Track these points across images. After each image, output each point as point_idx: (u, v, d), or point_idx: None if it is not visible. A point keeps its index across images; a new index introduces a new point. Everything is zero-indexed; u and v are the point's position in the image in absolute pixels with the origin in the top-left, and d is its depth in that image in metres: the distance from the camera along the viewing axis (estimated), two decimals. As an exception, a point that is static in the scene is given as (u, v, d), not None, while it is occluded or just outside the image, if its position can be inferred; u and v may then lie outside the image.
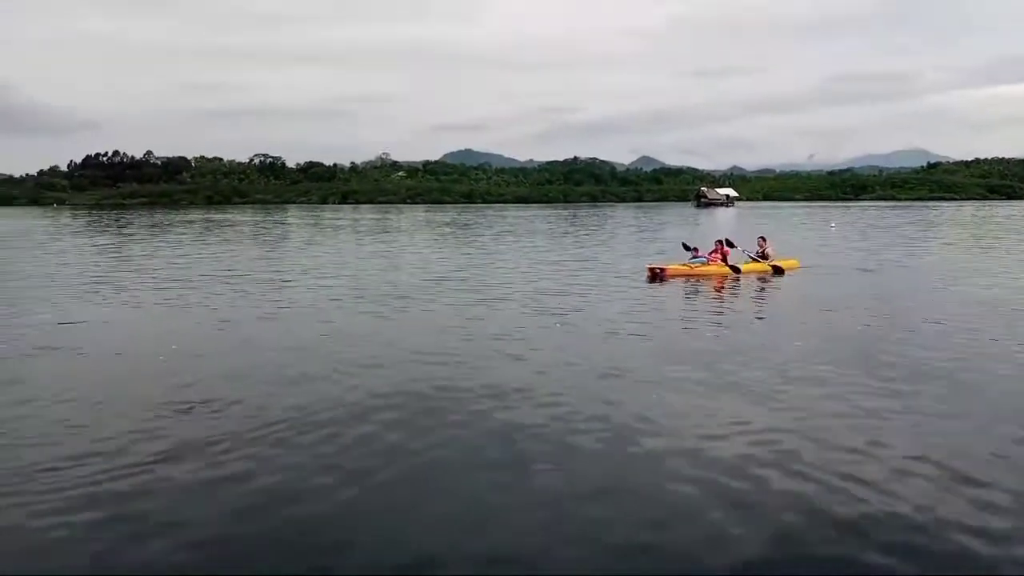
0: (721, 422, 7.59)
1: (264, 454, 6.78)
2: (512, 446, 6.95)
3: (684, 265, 18.99)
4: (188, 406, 8.13)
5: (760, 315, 14.85)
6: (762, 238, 21.07)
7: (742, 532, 5.30)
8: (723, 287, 17.79)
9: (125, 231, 47.78)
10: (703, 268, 18.92)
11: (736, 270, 19.26)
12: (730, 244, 20.43)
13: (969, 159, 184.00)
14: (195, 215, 77.32)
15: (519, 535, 5.32)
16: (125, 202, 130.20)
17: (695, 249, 20.03)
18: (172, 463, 6.56)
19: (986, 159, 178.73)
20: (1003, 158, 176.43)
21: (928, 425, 7.49)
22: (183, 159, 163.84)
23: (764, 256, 20.41)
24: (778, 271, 19.64)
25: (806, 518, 5.49)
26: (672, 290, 17.13)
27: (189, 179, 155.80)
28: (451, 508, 5.73)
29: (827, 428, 7.35)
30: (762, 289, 17.80)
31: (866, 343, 11.27)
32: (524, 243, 35.20)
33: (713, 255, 19.73)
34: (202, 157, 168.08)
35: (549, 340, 11.74)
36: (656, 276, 18.16)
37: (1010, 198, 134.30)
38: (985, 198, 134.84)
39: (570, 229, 48.48)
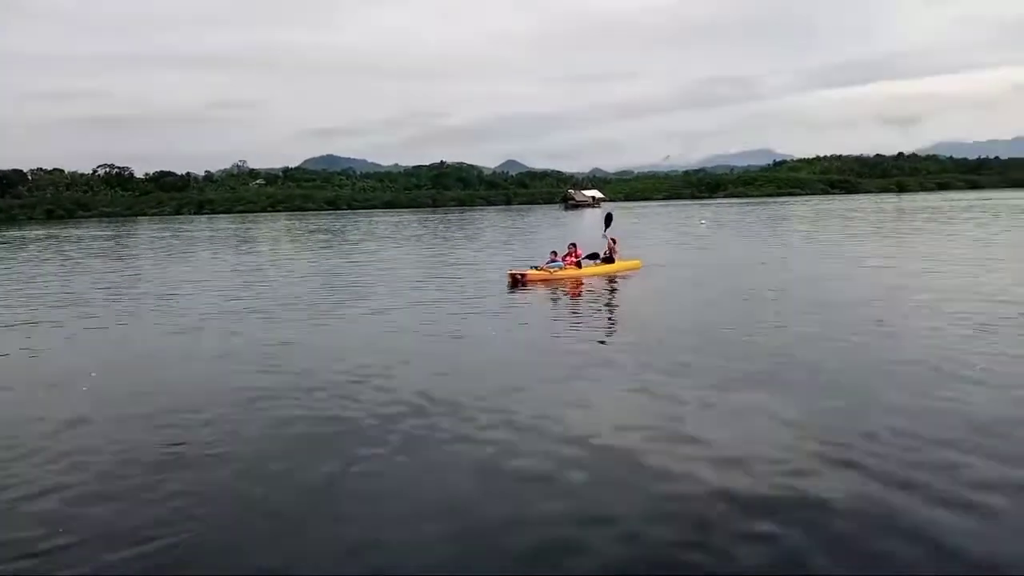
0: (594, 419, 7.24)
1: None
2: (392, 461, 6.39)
3: (543, 270, 18.84)
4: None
5: (612, 316, 15.01)
6: (612, 239, 21.06)
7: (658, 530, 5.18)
8: (579, 291, 17.71)
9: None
10: (562, 272, 18.99)
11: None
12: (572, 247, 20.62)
13: (811, 157, 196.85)
14: (37, 231, 71.35)
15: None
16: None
17: (553, 253, 19.85)
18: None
19: (826, 156, 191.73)
20: (840, 155, 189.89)
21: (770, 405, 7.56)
22: (18, 172, 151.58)
23: (611, 257, 20.66)
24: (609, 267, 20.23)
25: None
26: (533, 295, 16.75)
27: (26, 193, 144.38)
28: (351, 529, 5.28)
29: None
30: (613, 291, 17.90)
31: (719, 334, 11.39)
32: (394, 249, 34.10)
33: (568, 258, 19.69)
34: (40, 169, 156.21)
35: (420, 349, 11.06)
36: (517, 282, 18.01)
37: (848, 192, 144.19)
38: (827, 192, 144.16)
39: (444, 233, 47.70)
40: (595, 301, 16.60)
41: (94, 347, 12.39)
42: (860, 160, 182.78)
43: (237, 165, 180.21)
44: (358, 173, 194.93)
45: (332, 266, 26.11)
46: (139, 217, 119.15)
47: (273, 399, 8.51)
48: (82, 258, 33.89)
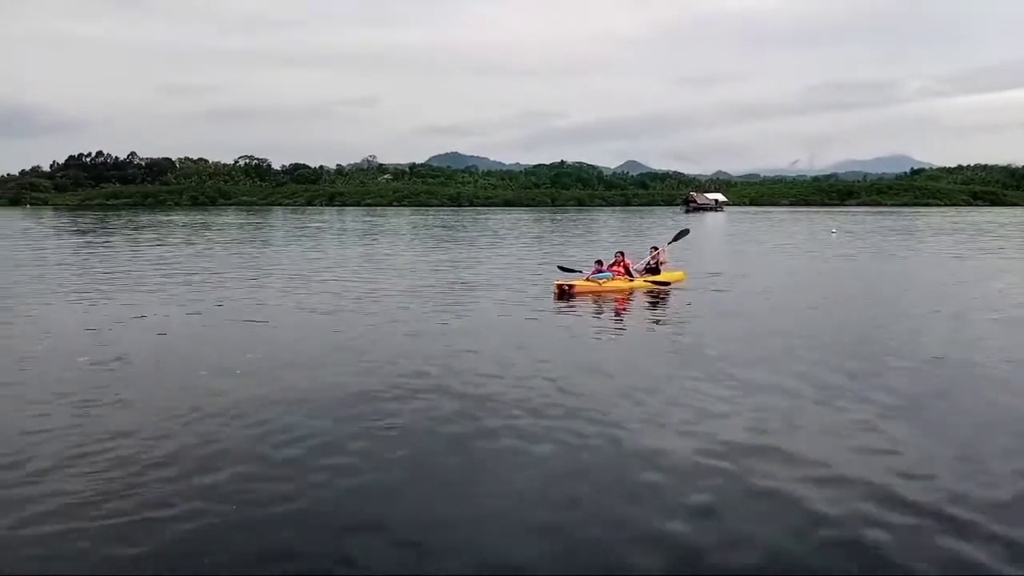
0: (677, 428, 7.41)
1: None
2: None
3: (590, 280, 17.57)
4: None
5: (672, 328, 13.90)
6: (655, 248, 19.88)
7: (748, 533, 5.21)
8: (626, 303, 16.52)
9: (122, 232, 47.03)
10: (610, 283, 17.61)
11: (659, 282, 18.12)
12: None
13: (952, 166, 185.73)
14: (188, 217, 76.67)
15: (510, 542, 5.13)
16: (108, 202, 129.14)
17: (599, 262, 18.46)
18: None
19: (968, 165, 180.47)
20: (985, 164, 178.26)
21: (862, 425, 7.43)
22: (167, 160, 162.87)
23: (657, 267, 19.17)
24: (659, 285, 18.07)
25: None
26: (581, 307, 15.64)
27: (173, 180, 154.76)
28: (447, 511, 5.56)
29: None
30: (664, 303, 16.60)
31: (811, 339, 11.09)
32: (511, 246, 34.87)
33: (615, 268, 18.29)
34: (187, 158, 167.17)
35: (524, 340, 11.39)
36: (564, 293, 16.81)
37: (994, 204, 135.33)
38: (969, 204, 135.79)
39: (558, 232, 48.22)
40: (657, 312, 15.76)
41: (256, 331, 13.56)
42: (1008, 171, 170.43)
43: (367, 160, 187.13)
44: (480, 171, 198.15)
45: (452, 259, 27.05)
46: (273, 207, 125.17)
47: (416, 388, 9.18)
48: (243, 242, 36.44)
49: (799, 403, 8.35)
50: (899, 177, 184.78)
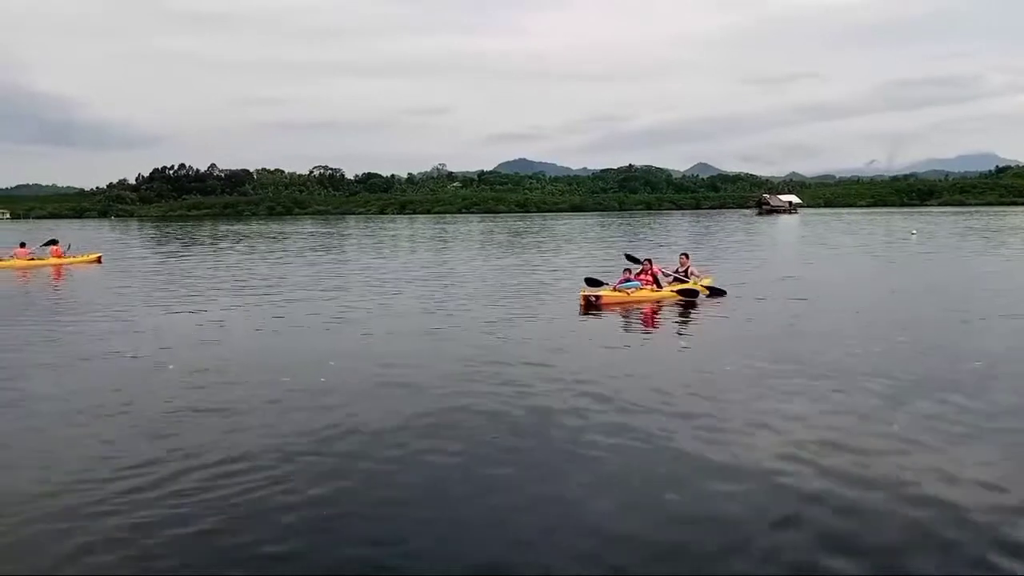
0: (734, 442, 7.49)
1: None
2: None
3: (618, 291, 16.85)
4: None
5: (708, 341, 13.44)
6: (684, 255, 19.22)
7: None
8: (655, 313, 15.87)
9: (219, 245, 48.99)
10: (639, 293, 16.89)
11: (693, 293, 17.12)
12: (633, 259, 18.84)
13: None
14: (268, 226, 79.05)
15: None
16: (190, 213, 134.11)
17: (627, 271, 17.65)
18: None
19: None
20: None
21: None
22: (245, 171, 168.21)
23: (686, 275, 18.25)
24: (688, 294, 17.03)
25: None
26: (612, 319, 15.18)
27: (251, 191, 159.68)
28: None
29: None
30: (692, 311, 15.97)
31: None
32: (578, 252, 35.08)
33: (643, 276, 17.41)
34: (264, 169, 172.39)
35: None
36: (591, 305, 16.04)
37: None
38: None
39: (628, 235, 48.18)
40: (682, 322, 15.18)
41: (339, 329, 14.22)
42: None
43: (437, 168, 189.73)
44: (548, 176, 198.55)
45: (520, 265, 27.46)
46: (347, 216, 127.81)
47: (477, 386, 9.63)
48: (317, 250, 37.71)
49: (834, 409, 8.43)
50: (983, 175, 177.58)
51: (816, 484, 6.17)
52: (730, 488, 6.15)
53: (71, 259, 30.41)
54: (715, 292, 17.56)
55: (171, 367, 10.70)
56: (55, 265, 29.25)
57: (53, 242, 31.22)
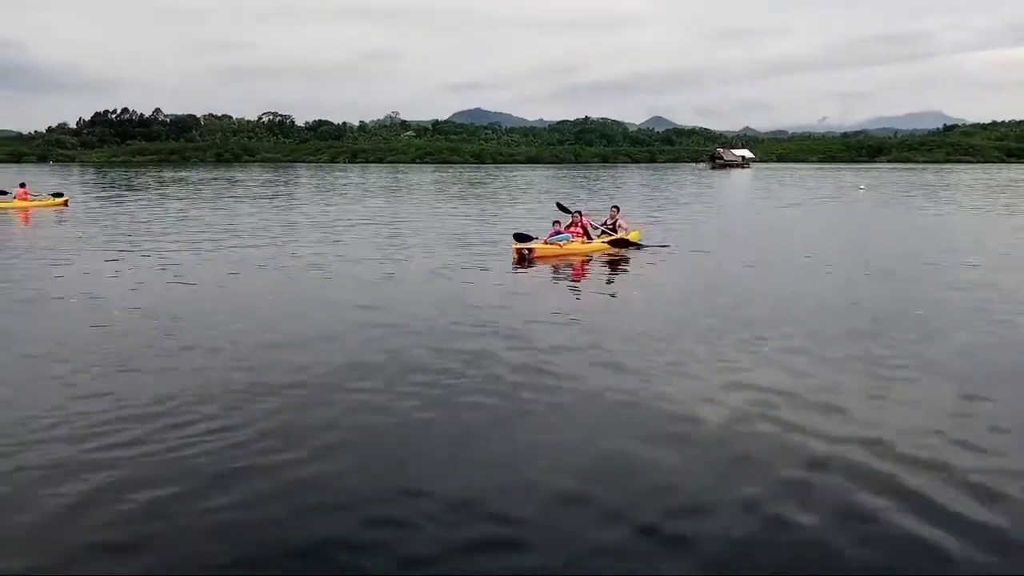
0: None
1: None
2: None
3: (549, 243, 16.62)
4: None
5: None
6: (615, 207, 18.91)
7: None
8: (588, 264, 15.81)
9: (162, 191, 47.52)
10: (571, 246, 16.73)
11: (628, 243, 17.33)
12: (563, 209, 18.87)
13: (986, 121, 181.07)
14: (213, 172, 77.06)
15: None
16: (134, 159, 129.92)
17: (557, 223, 17.46)
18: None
19: (1004, 122, 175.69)
20: (1021, 120, 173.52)
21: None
22: (192, 117, 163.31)
23: (614, 228, 18.05)
24: (618, 244, 17.22)
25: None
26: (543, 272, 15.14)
27: (198, 137, 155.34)
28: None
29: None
30: (626, 263, 15.94)
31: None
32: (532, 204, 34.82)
33: (573, 228, 17.28)
34: (211, 115, 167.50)
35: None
36: (524, 258, 15.84)
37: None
38: (1003, 161, 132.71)
39: (582, 189, 47.96)
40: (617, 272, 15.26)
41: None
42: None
43: (390, 116, 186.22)
44: (504, 127, 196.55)
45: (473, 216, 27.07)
46: (296, 164, 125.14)
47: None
48: (259, 198, 36.76)
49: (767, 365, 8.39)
50: (931, 133, 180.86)
51: (741, 428, 6.20)
52: (661, 437, 6.12)
53: (37, 202, 30.42)
54: (640, 246, 17.48)
55: (116, 312, 10.55)
56: (20, 208, 29.20)
57: (22, 185, 31.24)
